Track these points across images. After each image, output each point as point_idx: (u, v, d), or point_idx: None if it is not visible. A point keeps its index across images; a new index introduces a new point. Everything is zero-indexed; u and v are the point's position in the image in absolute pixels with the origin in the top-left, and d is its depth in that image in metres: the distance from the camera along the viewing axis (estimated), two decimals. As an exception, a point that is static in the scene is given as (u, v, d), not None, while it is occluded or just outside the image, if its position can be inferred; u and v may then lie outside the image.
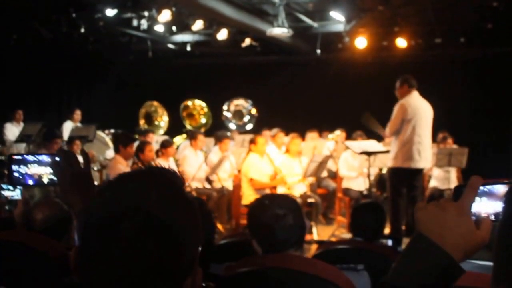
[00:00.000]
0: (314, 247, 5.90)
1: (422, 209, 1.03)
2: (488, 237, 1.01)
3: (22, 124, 9.31)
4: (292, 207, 2.14)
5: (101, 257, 0.89)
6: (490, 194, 1.05)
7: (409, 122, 6.35)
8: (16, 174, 1.59)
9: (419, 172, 6.54)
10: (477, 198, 1.03)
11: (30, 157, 1.60)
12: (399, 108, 6.41)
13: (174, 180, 0.99)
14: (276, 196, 2.43)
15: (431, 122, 6.54)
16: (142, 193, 0.93)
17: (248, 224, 2.22)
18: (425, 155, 6.44)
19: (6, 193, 2.85)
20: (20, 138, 8.13)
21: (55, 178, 1.58)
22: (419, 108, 6.39)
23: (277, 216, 2.07)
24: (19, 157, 1.60)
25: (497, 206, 1.04)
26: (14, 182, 1.64)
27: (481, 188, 1.03)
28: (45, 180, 1.60)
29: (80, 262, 0.93)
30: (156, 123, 11.09)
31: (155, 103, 11.10)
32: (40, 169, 1.59)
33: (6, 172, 1.62)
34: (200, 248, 0.96)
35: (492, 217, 1.03)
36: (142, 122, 10.92)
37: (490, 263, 1.65)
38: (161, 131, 10.87)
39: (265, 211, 2.11)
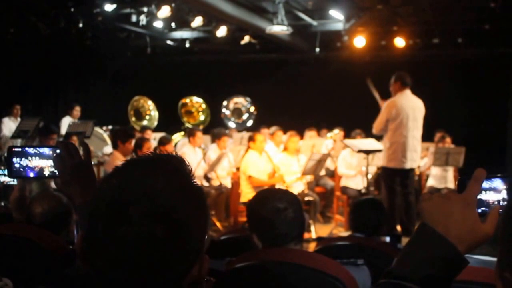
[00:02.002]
0: (312, 245, 5.91)
1: (428, 200, 1.04)
2: (493, 231, 1.01)
3: (19, 119, 9.26)
4: (292, 201, 2.14)
5: (109, 243, 0.90)
6: (492, 188, 1.07)
7: (394, 121, 6.36)
8: (16, 166, 1.58)
9: (407, 171, 6.55)
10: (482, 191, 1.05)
11: (31, 150, 1.59)
12: (385, 107, 6.45)
13: (181, 167, 0.99)
14: (276, 190, 2.40)
15: (422, 122, 6.52)
16: (149, 179, 0.94)
17: (248, 219, 2.20)
18: (411, 156, 6.43)
19: (2, 179, 2.84)
20: (17, 134, 8.07)
21: (56, 171, 1.57)
22: (406, 109, 6.37)
23: (277, 209, 2.07)
24: (19, 149, 1.59)
25: (499, 198, 1.07)
26: (14, 175, 1.62)
27: (484, 182, 1.05)
28: (47, 172, 1.59)
29: (87, 248, 0.94)
30: (147, 117, 11.09)
31: (139, 97, 11.06)
32: (42, 162, 1.59)
33: (6, 164, 1.61)
34: (206, 236, 0.98)
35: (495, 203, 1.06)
36: (133, 119, 10.91)
37: (491, 258, 1.72)
38: (155, 123, 10.87)
39: (265, 205, 2.10)
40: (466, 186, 1.04)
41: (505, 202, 1.06)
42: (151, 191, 0.92)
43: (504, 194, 1.08)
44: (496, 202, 1.06)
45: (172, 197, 0.92)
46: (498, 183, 1.08)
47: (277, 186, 7.11)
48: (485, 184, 1.06)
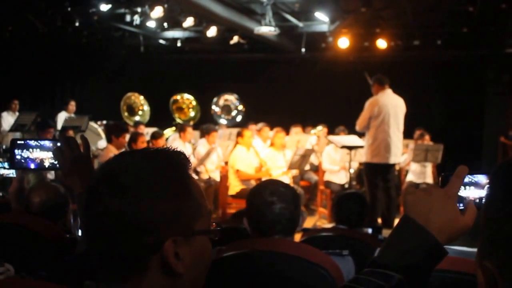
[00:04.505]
0: (298, 235, 6.13)
1: (411, 193, 1.06)
2: (472, 223, 1.05)
3: (17, 113, 9.40)
4: (284, 195, 2.12)
5: (87, 219, 0.99)
6: (474, 184, 1.09)
7: (376, 119, 6.58)
8: (18, 157, 1.63)
9: (389, 166, 6.77)
10: (462, 187, 1.07)
11: (32, 142, 1.63)
12: (368, 106, 6.66)
13: (168, 157, 1.01)
14: (274, 184, 2.23)
15: (403, 119, 6.73)
16: (120, 162, 1.01)
17: (246, 203, 2.23)
18: (394, 151, 6.66)
19: (1, 171, 2.86)
20: (15, 127, 8.14)
21: (56, 162, 1.62)
22: (388, 106, 6.58)
23: (266, 202, 2.10)
24: (22, 141, 1.64)
25: (481, 193, 1.09)
26: (16, 166, 1.68)
27: (467, 177, 1.07)
28: (47, 164, 1.64)
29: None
30: (140, 112, 11.26)
31: (130, 94, 11.18)
32: (42, 154, 1.63)
33: (8, 155, 1.66)
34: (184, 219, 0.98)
35: (477, 201, 1.08)
36: (125, 114, 11.04)
37: (468, 249, 1.78)
38: (147, 118, 11.03)
39: (258, 195, 2.13)
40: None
41: None
42: (117, 171, 0.97)
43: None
44: (478, 200, 1.08)
45: (133, 176, 0.95)
46: (480, 178, 1.09)
47: (263, 179, 7.33)
48: (467, 179, 1.07)
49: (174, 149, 1.03)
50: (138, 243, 0.93)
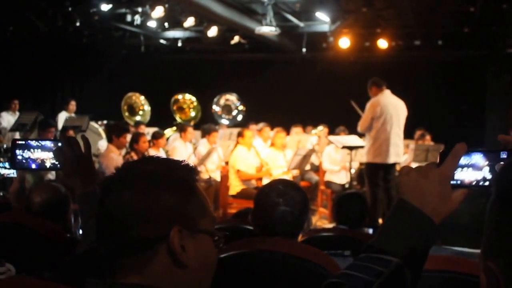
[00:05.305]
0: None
1: (406, 174, 1.05)
2: (460, 201, 1.04)
3: (17, 113, 9.40)
4: (289, 198, 2.10)
5: (99, 213, 1.03)
6: (471, 165, 1.04)
7: (378, 119, 6.59)
8: (19, 158, 1.63)
9: (391, 166, 6.77)
10: (459, 168, 1.04)
11: (33, 142, 1.64)
12: (369, 107, 6.67)
13: (177, 163, 1.07)
14: (285, 185, 2.18)
15: (404, 120, 6.76)
16: (130, 164, 1.09)
17: (254, 200, 2.22)
18: (395, 151, 6.67)
19: (2, 171, 2.87)
20: (16, 127, 8.13)
21: (57, 163, 1.63)
22: (388, 107, 6.60)
23: (272, 202, 2.09)
24: (23, 142, 1.65)
25: (477, 176, 1.04)
26: (17, 166, 1.69)
27: (464, 157, 1.03)
28: (48, 164, 1.65)
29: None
30: (140, 112, 11.30)
31: (131, 94, 11.21)
32: (43, 154, 1.64)
33: (9, 156, 1.68)
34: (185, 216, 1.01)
35: (474, 183, 1.04)
36: (126, 114, 11.08)
37: (468, 249, 1.71)
38: (148, 118, 11.07)
39: (265, 194, 2.13)
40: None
41: (486, 183, 1.04)
42: (128, 170, 1.04)
43: (485, 172, 1.03)
44: (474, 182, 1.04)
45: (142, 173, 1.02)
46: (478, 158, 1.03)
47: (264, 180, 7.25)
48: (464, 161, 1.02)
49: (183, 161, 1.09)
50: (145, 231, 0.97)
